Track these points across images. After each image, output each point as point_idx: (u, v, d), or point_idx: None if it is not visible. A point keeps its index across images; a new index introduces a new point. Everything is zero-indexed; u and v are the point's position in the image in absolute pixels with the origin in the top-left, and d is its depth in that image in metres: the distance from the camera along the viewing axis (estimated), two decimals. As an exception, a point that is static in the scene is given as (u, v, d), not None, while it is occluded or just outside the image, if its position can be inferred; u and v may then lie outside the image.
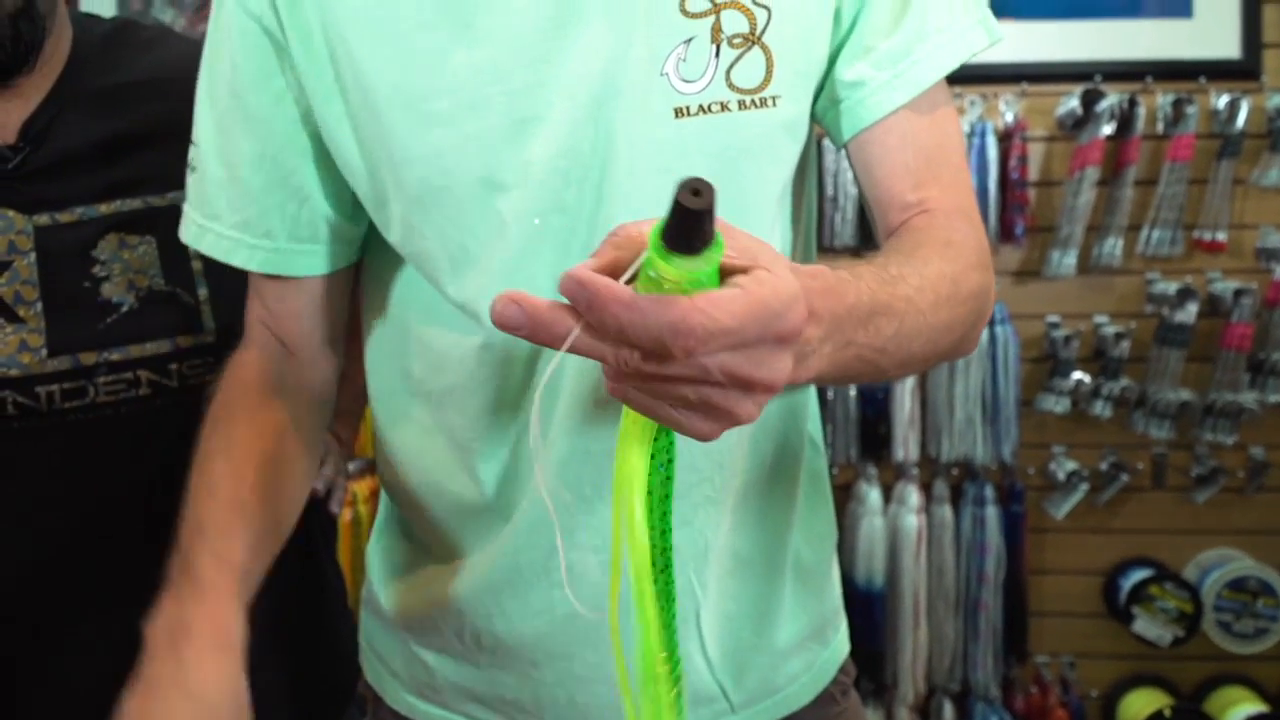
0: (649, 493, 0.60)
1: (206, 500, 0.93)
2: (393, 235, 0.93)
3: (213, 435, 0.97)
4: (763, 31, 0.86)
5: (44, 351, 1.14)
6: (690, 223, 0.51)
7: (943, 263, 0.80)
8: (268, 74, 0.92)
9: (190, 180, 0.98)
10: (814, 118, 0.94)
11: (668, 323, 0.52)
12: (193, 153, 0.97)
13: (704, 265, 0.52)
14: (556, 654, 0.97)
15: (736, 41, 0.86)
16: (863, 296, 0.68)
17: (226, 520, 0.92)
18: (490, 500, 0.96)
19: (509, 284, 0.88)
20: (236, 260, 0.97)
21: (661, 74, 0.85)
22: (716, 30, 0.85)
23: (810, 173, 1.00)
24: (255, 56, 0.92)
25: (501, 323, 0.55)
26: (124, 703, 0.85)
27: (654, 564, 0.61)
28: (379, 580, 1.08)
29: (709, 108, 0.86)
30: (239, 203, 0.95)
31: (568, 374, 0.90)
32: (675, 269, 0.52)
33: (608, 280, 0.53)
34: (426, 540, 1.03)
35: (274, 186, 0.95)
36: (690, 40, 0.85)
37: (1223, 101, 2.30)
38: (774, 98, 0.87)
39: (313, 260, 0.98)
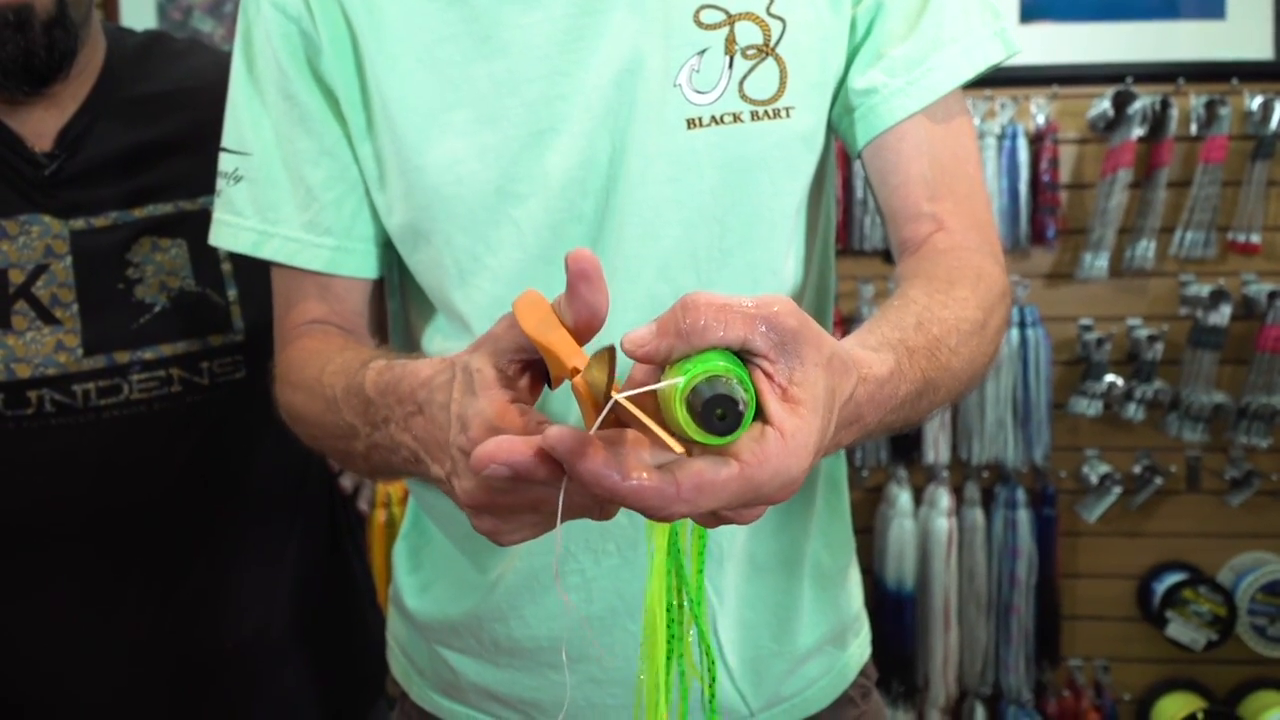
0: None
1: (332, 373, 0.86)
2: (399, 244, 0.95)
3: (286, 372, 0.95)
4: (777, 42, 0.87)
5: (80, 351, 1.17)
6: (710, 430, 0.50)
7: (976, 308, 0.79)
8: (313, 73, 0.94)
9: (237, 190, 0.98)
10: (830, 128, 0.94)
11: (646, 507, 0.51)
12: (239, 162, 0.98)
13: (722, 439, 0.51)
14: (573, 656, 0.98)
15: (750, 53, 0.86)
16: (915, 384, 0.68)
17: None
18: None
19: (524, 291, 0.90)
20: (301, 261, 0.97)
21: (674, 85, 0.86)
22: (730, 41, 0.86)
23: (829, 184, 1.00)
24: (300, 57, 0.93)
25: (489, 474, 0.54)
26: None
27: (669, 558, 0.62)
28: (404, 580, 1.10)
29: (721, 118, 0.86)
30: (304, 202, 0.96)
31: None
32: (694, 431, 0.51)
33: (594, 464, 0.51)
34: (448, 543, 1.04)
35: (334, 181, 0.96)
36: (704, 51, 0.86)
37: (1256, 103, 2.28)
38: (788, 108, 0.87)
39: (368, 261, 0.99)
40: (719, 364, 0.51)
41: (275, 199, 0.97)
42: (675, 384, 0.51)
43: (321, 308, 1.00)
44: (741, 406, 0.50)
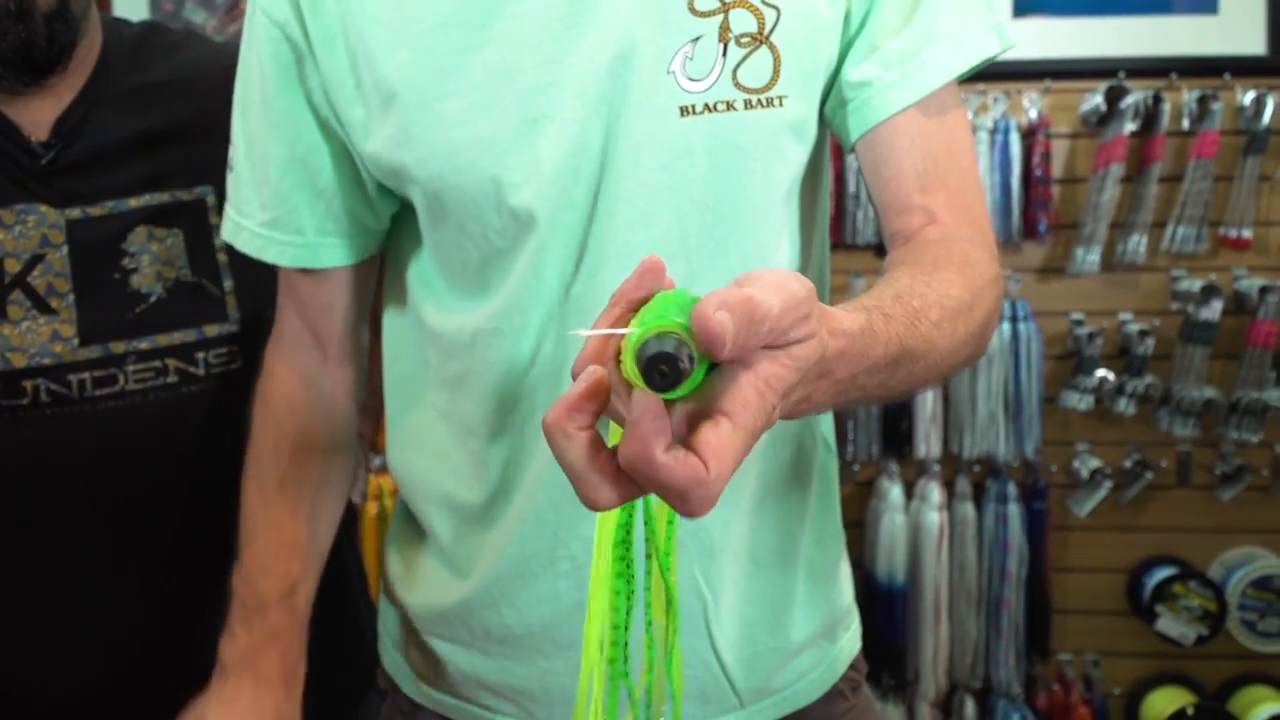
0: None
1: (263, 542, 1.08)
2: (423, 225, 0.96)
3: (254, 477, 1.09)
4: (771, 31, 0.87)
5: (75, 341, 1.17)
6: (652, 386, 0.51)
7: (962, 289, 0.79)
8: (292, 81, 0.95)
9: (229, 180, 1.03)
10: (823, 120, 0.95)
11: (690, 500, 0.51)
12: (231, 153, 1.02)
13: (665, 395, 0.52)
14: (563, 643, 0.98)
15: (744, 41, 0.86)
16: (891, 347, 0.67)
17: (284, 562, 1.07)
18: (495, 489, 0.98)
19: (526, 276, 0.91)
20: (268, 256, 1.02)
21: (668, 72, 0.86)
22: (724, 29, 0.86)
23: (823, 176, 1.00)
24: (280, 64, 0.95)
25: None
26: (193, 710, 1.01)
27: (616, 539, 0.62)
28: (394, 572, 1.10)
29: (714, 106, 0.87)
30: (270, 202, 0.99)
31: (569, 366, 0.91)
32: (639, 384, 0.52)
33: (579, 455, 0.54)
34: (437, 533, 1.05)
35: (301, 186, 0.99)
36: (698, 39, 0.86)
37: (1248, 98, 2.29)
38: (781, 97, 0.88)
39: (339, 252, 1.02)
40: (675, 320, 0.52)
41: (245, 194, 1.01)
42: (629, 334, 0.53)
43: (293, 303, 1.07)
44: (685, 364, 0.50)
